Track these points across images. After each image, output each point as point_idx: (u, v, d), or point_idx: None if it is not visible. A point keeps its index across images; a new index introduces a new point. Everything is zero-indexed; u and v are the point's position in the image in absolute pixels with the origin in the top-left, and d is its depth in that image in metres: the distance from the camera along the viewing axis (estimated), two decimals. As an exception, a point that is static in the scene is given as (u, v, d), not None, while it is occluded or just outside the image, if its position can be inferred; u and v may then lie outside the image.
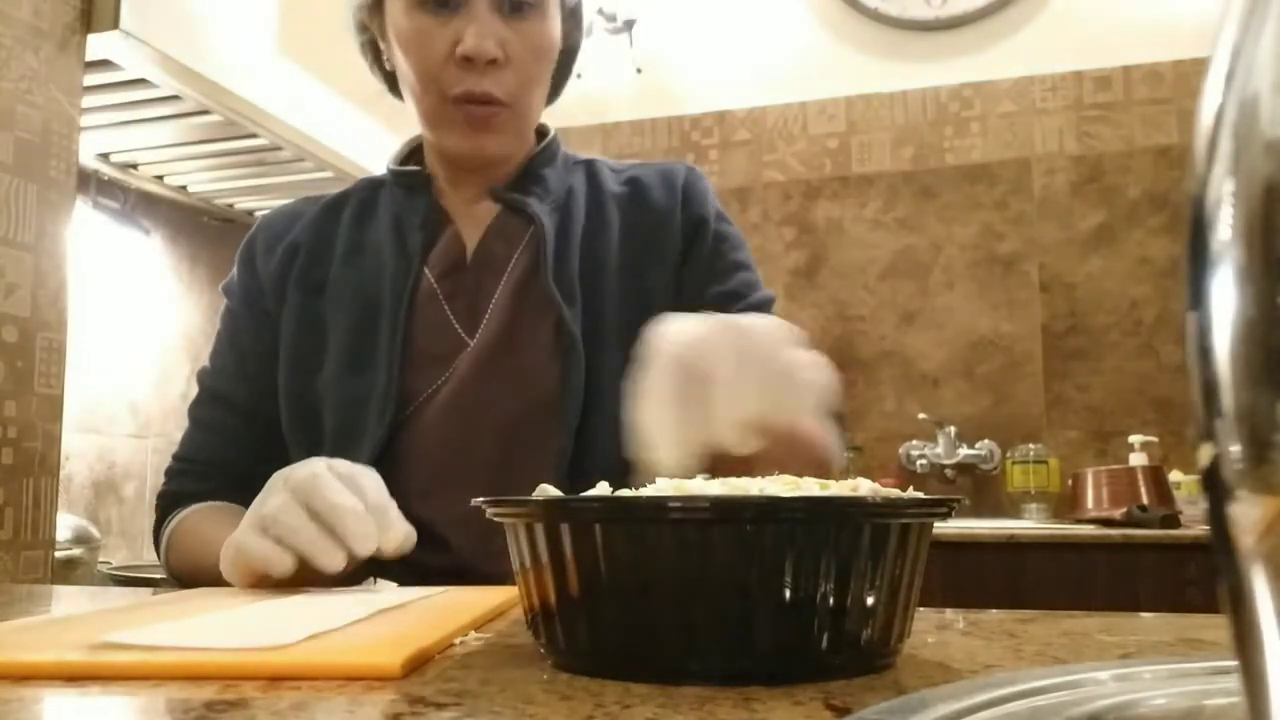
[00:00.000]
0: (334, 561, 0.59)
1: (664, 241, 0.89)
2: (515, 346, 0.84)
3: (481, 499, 0.42)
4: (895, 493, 0.39)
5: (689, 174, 0.93)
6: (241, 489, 0.81)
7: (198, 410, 0.92)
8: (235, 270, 0.94)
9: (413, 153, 0.95)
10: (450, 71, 0.82)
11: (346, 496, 0.60)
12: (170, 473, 0.91)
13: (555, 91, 0.96)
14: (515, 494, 0.51)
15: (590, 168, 0.95)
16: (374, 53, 0.92)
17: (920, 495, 0.39)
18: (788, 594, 0.35)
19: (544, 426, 0.81)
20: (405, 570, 0.77)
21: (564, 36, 0.89)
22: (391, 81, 0.93)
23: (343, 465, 0.63)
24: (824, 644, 0.36)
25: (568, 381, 0.82)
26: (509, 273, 0.87)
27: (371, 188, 0.96)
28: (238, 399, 0.90)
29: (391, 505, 0.63)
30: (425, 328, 0.85)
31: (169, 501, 0.89)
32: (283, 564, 0.59)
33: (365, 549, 0.59)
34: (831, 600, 0.36)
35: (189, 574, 0.83)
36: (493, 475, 0.81)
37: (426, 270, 0.87)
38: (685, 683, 0.35)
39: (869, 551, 0.36)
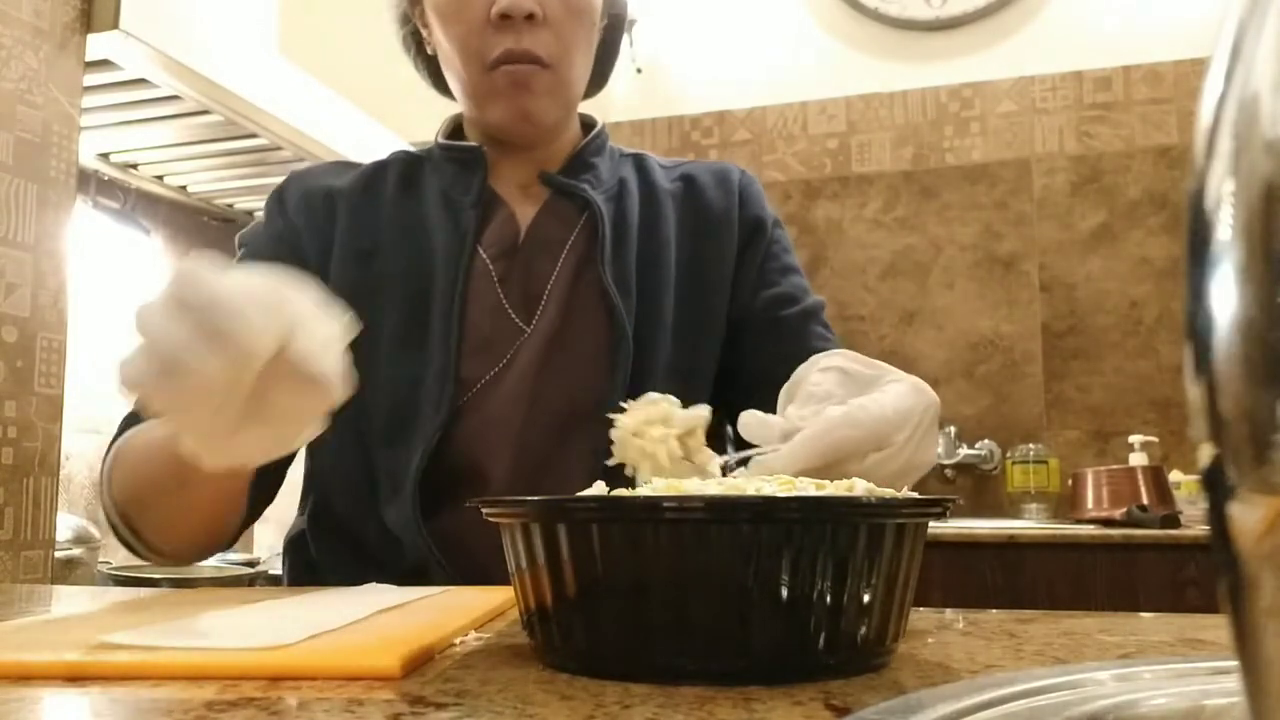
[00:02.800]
0: (204, 364, 0.41)
1: (722, 240, 0.88)
2: (571, 337, 0.82)
3: (477, 500, 0.42)
4: (890, 492, 0.40)
5: (744, 175, 0.93)
6: None
7: None
8: (262, 219, 0.89)
9: (455, 131, 0.93)
10: (489, 36, 0.80)
11: (234, 282, 0.43)
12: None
13: (602, 74, 0.95)
14: (566, 487, 0.50)
15: (640, 161, 0.94)
16: (416, 44, 0.92)
17: (914, 495, 0.39)
18: (784, 593, 0.35)
19: (592, 420, 0.79)
20: (462, 567, 0.76)
21: (607, 4, 0.88)
22: (434, 73, 0.92)
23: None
24: (820, 643, 0.36)
25: (614, 376, 0.80)
26: (563, 258, 0.85)
27: (410, 161, 0.92)
28: None
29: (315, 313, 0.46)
30: (480, 311, 0.83)
31: (127, 423, 0.77)
32: (154, 382, 0.42)
33: (256, 345, 0.42)
34: (828, 600, 0.36)
35: (128, 493, 0.73)
36: (545, 467, 0.79)
37: (481, 250, 0.85)
38: (682, 683, 0.35)
39: (865, 551, 0.37)
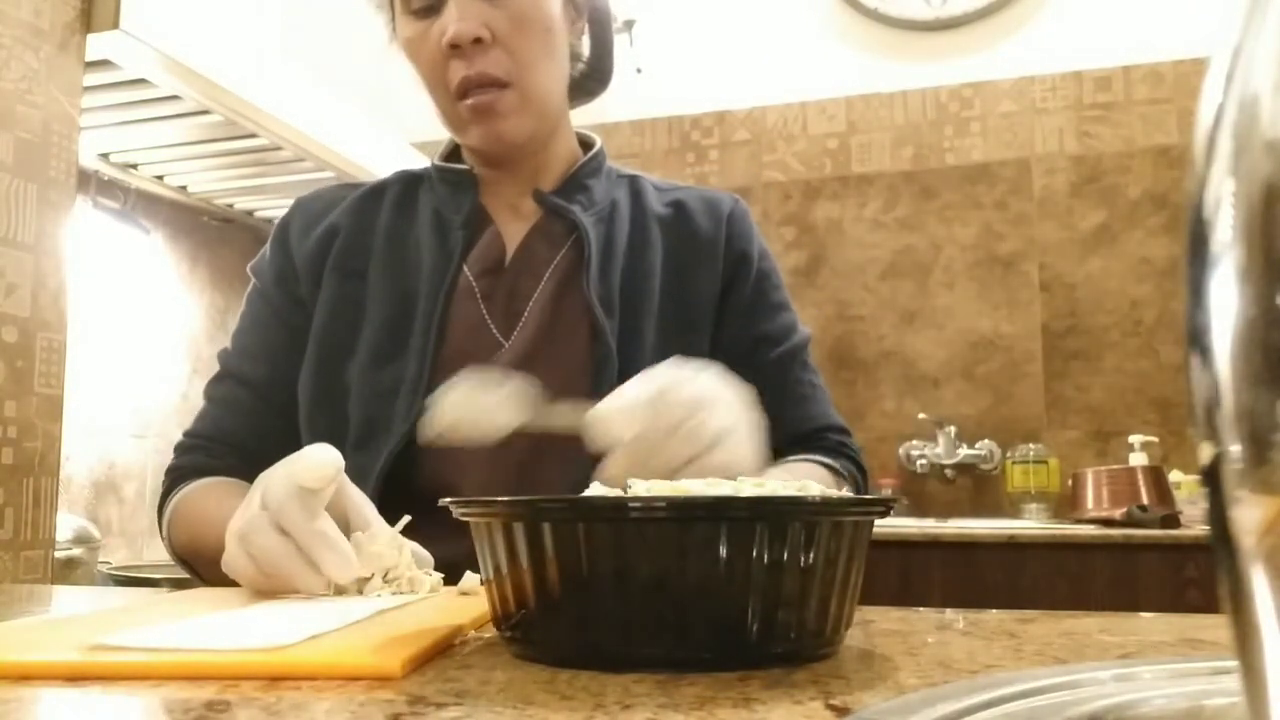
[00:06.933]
0: (316, 586, 0.59)
1: (706, 269, 0.89)
2: (551, 352, 0.83)
3: (449, 499, 0.44)
4: (834, 493, 0.43)
5: (735, 206, 0.93)
6: (250, 466, 0.80)
7: (214, 388, 0.91)
8: (267, 250, 0.93)
9: (457, 150, 0.95)
10: (447, 66, 0.82)
11: (319, 520, 0.59)
12: (180, 448, 0.91)
13: (602, 72, 0.95)
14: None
15: (634, 184, 0.95)
16: None
17: (851, 495, 0.43)
18: (730, 587, 0.38)
19: (569, 437, 0.81)
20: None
21: (584, 4, 0.89)
22: None
23: (310, 478, 0.61)
24: (764, 633, 0.38)
25: (597, 394, 0.81)
26: (548, 276, 0.86)
27: (410, 181, 0.95)
28: (256, 379, 0.89)
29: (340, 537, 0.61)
30: (460, 326, 0.84)
31: (177, 475, 0.88)
32: (266, 586, 0.60)
33: (344, 576, 0.59)
34: (770, 593, 0.38)
35: (188, 549, 0.82)
36: (519, 478, 0.80)
37: (466, 268, 0.87)
38: (625, 670, 0.37)
39: (807, 547, 0.39)
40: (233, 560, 0.61)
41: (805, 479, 0.61)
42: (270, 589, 0.60)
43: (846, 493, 0.45)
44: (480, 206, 0.90)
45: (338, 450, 0.83)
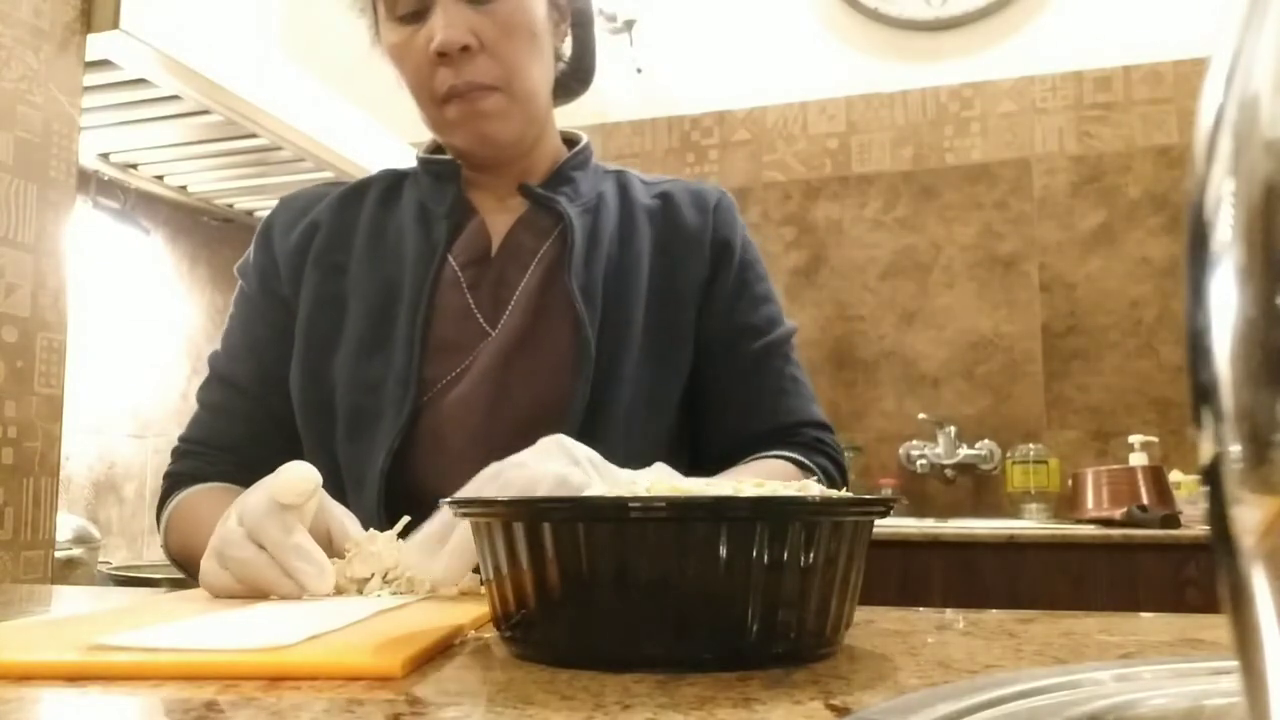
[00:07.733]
0: (292, 593, 0.59)
1: (694, 259, 0.89)
2: (536, 342, 0.83)
3: (448, 499, 0.44)
4: (834, 493, 0.43)
5: (721, 197, 0.94)
6: (246, 471, 0.81)
7: (205, 393, 0.92)
8: (251, 250, 0.93)
9: (441, 147, 0.95)
10: (434, 73, 0.82)
11: (295, 534, 0.60)
12: (176, 453, 0.91)
13: (585, 72, 0.96)
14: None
15: (621, 178, 0.95)
16: None
17: (851, 495, 0.43)
18: (732, 587, 0.38)
19: (554, 425, 0.81)
20: None
21: (566, 6, 0.89)
22: None
23: (287, 495, 0.61)
24: (766, 633, 0.38)
25: (576, 384, 0.81)
26: (534, 266, 0.86)
27: (395, 177, 0.95)
28: (246, 381, 0.89)
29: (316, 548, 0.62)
30: (446, 315, 0.85)
31: (172, 482, 0.89)
32: (243, 595, 0.60)
33: (320, 588, 0.59)
34: (771, 593, 0.38)
35: (183, 555, 0.83)
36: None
37: (451, 258, 0.87)
38: (631, 670, 0.37)
39: (807, 547, 0.39)
40: (209, 575, 0.61)
41: (766, 476, 0.61)
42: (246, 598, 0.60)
43: (817, 486, 0.45)
44: (465, 198, 0.90)
45: (327, 451, 0.84)
